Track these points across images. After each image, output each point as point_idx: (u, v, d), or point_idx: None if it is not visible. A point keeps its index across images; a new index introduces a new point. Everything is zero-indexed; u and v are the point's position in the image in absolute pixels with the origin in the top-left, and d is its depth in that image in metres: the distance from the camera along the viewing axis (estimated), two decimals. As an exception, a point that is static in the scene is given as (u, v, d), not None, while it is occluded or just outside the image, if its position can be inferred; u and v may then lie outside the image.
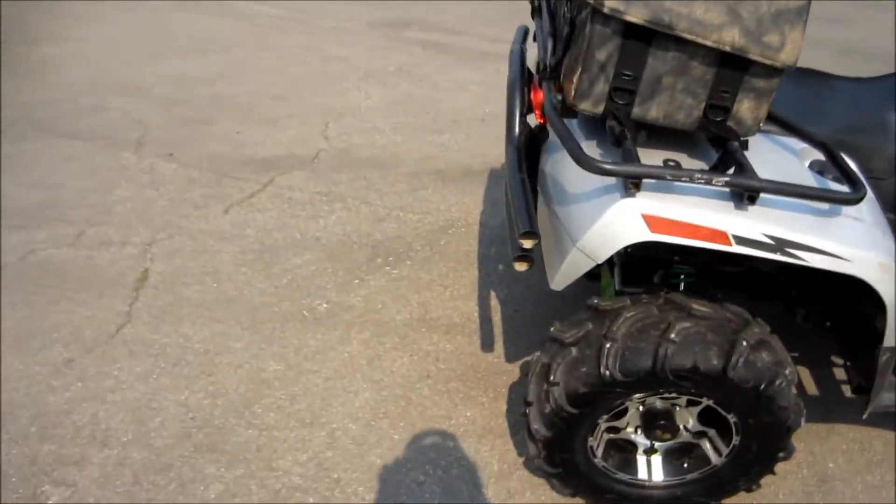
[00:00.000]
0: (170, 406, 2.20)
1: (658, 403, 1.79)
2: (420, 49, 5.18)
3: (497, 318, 2.63)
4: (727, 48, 1.33)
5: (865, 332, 1.73)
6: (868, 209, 1.59)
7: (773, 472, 1.85)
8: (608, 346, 1.62)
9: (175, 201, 3.24)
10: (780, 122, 1.71)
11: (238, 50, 5.08)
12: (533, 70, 1.89)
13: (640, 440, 1.90)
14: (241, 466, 2.01)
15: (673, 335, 1.58)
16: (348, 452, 2.08)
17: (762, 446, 1.77)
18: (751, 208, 1.44)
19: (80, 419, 2.13)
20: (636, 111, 1.47)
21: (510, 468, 2.06)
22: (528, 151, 2.29)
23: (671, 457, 1.93)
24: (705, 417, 1.81)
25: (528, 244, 1.48)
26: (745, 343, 1.58)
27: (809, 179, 1.60)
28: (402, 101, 4.32)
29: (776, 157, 1.67)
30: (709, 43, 1.33)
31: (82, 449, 2.03)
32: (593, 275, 2.21)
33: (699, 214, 1.43)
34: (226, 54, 4.99)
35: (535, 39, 2.12)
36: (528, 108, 2.08)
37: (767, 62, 1.35)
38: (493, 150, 3.76)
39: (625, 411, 1.79)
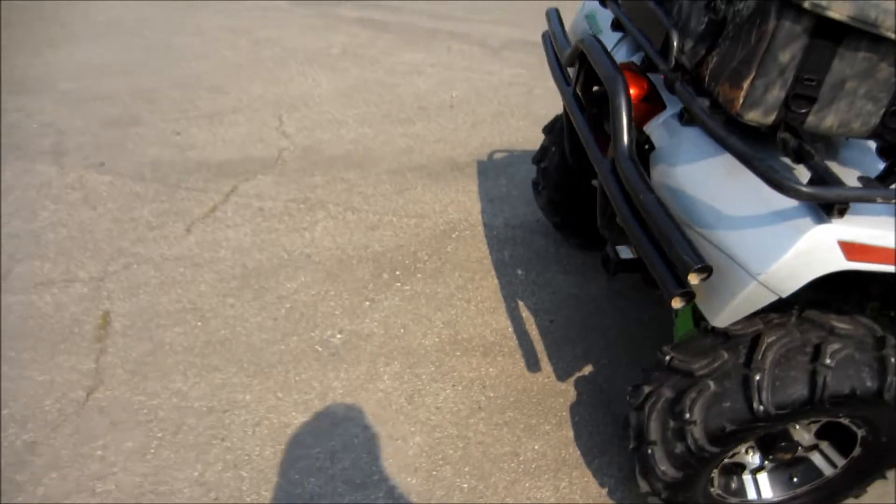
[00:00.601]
0: (183, 487, 1.78)
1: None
2: (360, 28, 4.74)
3: (533, 331, 2.37)
4: None
5: None
6: None
7: (884, 478, 1.75)
8: (757, 377, 1.41)
9: (121, 222, 2.70)
10: None
11: (150, 33, 4.41)
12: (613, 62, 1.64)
13: (750, 460, 1.74)
14: (300, 558, 1.64)
15: (828, 360, 1.40)
16: (421, 517, 1.76)
17: (884, 456, 1.66)
18: None
19: (73, 525, 1.67)
20: (811, 120, 1.27)
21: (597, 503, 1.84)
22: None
23: (777, 472, 1.79)
24: (821, 430, 1.68)
25: (697, 279, 1.22)
26: (893, 360, 1.42)
27: None
28: (357, 87, 3.90)
29: None
30: None
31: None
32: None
33: None
34: (136, 38, 4.31)
35: (616, 28, 1.85)
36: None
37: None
38: (473, 140, 3.45)
39: None
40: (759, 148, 1.27)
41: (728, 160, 1.36)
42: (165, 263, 2.50)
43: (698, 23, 1.37)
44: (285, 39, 4.47)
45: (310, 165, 3.13)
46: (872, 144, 1.47)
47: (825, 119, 1.26)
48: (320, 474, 1.86)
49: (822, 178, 1.21)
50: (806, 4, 1.09)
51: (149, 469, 1.82)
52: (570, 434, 2.04)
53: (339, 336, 2.27)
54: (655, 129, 1.58)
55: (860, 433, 1.60)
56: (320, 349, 2.22)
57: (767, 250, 1.21)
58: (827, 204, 1.19)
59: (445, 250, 2.70)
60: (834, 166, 1.36)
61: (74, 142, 3.19)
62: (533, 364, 2.25)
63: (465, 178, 3.15)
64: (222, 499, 1.77)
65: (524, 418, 2.07)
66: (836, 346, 1.42)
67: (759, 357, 1.44)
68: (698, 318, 1.90)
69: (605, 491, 1.90)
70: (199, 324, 2.26)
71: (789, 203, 1.23)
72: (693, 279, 1.23)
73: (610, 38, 1.88)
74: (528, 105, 3.84)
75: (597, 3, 2.04)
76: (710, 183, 1.35)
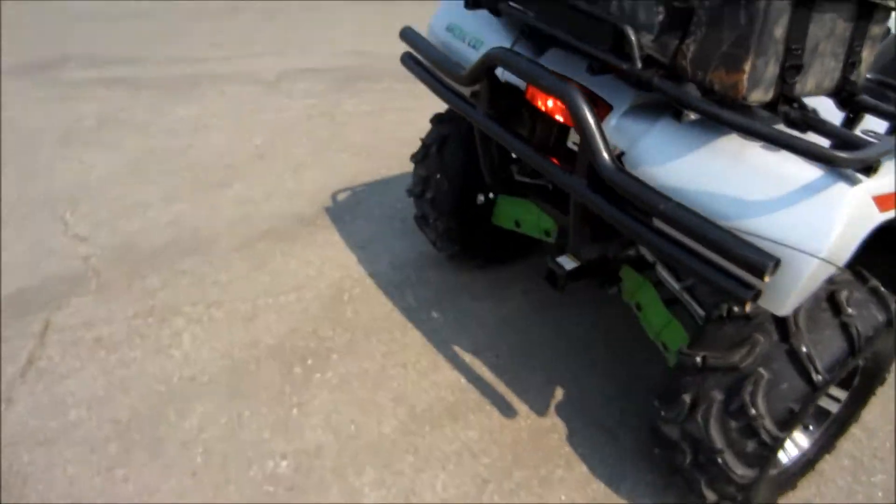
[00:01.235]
0: None
1: None
2: (106, 90, 3.96)
3: (486, 373, 2.18)
4: None
5: None
6: None
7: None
8: (804, 349, 1.42)
9: None
10: None
11: None
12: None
13: None
14: None
15: (849, 309, 1.45)
16: None
17: (876, 378, 1.80)
18: None
19: None
20: (797, 88, 1.27)
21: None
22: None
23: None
24: None
25: (769, 277, 1.15)
26: (881, 287, 1.55)
27: None
28: (143, 159, 3.25)
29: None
30: None
31: None
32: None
33: None
34: None
35: (524, 35, 1.70)
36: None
37: (890, 4, 1.29)
38: (305, 186, 3.09)
39: None
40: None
41: (726, 147, 1.32)
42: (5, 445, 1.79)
43: (651, 14, 1.30)
44: (20, 118, 3.56)
45: (132, 267, 2.51)
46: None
47: (806, 84, 1.28)
48: None
49: (851, 141, 1.21)
50: None
51: None
52: (585, 469, 1.90)
53: (284, 464, 1.84)
54: (612, 132, 1.49)
55: (860, 364, 1.70)
56: (271, 488, 1.77)
57: (819, 225, 1.18)
58: (876, 166, 1.19)
59: (346, 318, 2.36)
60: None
61: None
62: (507, 410, 2.06)
63: (322, 230, 2.80)
64: None
65: (534, 472, 1.87)
66: (845, 293, 1.48)
67: (796, 328, 1.44)
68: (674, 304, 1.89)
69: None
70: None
71: (813, 173, 1.22)
72: (768, 277, 1.16)
73: (493, 46, 1.74)
74: (340, 135, 3.57)
75: (458, 12, 1.88)
76: (721, 174, 1.29)
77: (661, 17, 1.28)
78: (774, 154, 1.26)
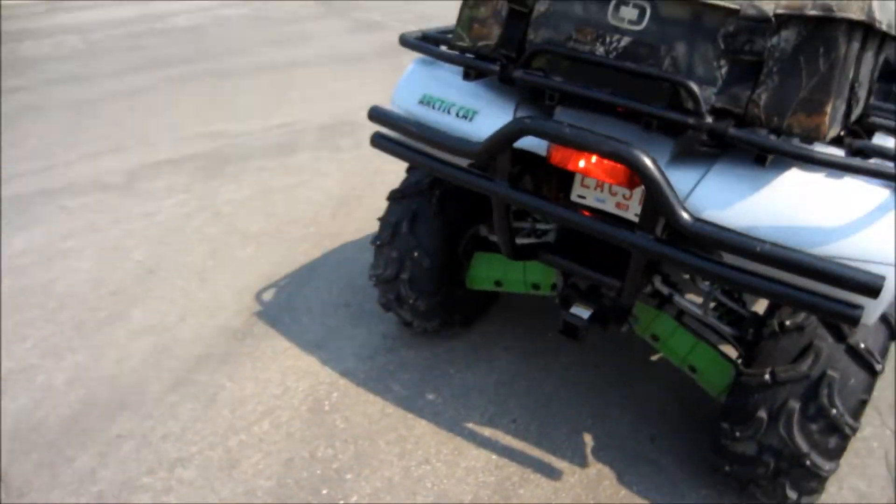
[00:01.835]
0: None
1: None
2: None
3: (512, 441, 2.07)
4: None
5: None
6: None
7: None
8: (861, 345, 1.54)
9: None
10: None
11: None
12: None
13: None
14: None
15: None
16: None
17: None
18: None
19: None
20: (851, 119, 1.39)
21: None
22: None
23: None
24: None
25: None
26: None
27: None
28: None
29: None
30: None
31: None
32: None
33: None
34: None
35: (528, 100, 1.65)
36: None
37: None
38: (223, 295, 2.74)
39: None
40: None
41: (788, 182, 1.37)
42: None
43: (710, 68, 1.33)
44: None
45: (47, 455, 2.03)
46: None
47: (853, 115, 1.40)
48: None
49: None
50: (882, 27, 1.17)
51: None
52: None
53: None
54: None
55: None
56: None
57: (886, 240, 1.27)
58: None
59: (338, 429, 2.11)
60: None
61: None
62: (550, 472, 1.97)
63: (264, 340, 2.50)
64: None
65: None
66: None
67: (848, 329, 1.54)
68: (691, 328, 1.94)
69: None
70: None
71: (879, 193, 1.31)
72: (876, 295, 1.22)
73: (494, 115, 1.68)
74: (233, 228, 3.23)
75: (434, 83, 1.79)
76: (792, 206, 1.34)
77: (723, 71, 1.31)
78: (836, 181, 1.34)
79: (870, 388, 1.53)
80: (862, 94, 1.39)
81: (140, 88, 5.19)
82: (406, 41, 1.83)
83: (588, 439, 2.10)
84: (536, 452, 2.05)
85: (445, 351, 2.45)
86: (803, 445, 1.55)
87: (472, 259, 2.29)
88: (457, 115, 1.72)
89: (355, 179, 3.75)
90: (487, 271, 2.24)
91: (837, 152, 1.35)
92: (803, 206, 1.33)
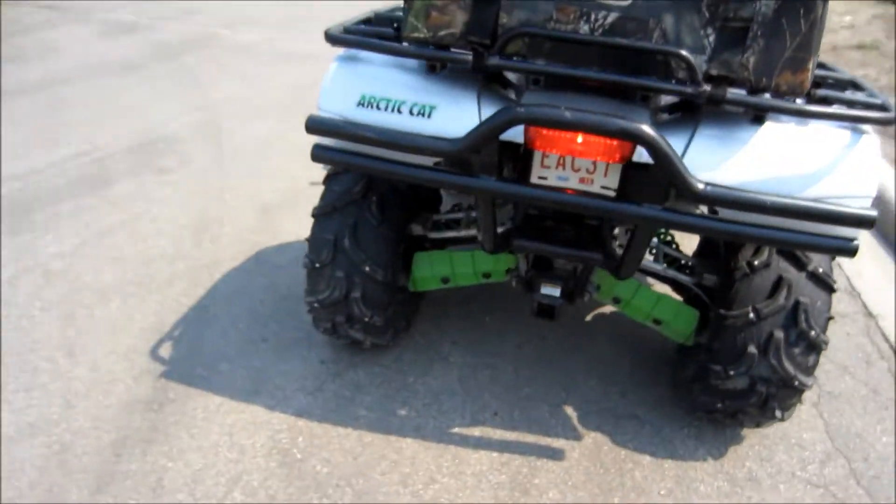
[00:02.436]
0: None
1: None
2: None
3: (507, 435, 2.05)
4: None
5: None
6: None
7: None
8: (820, 269, 1.78)
9: None
10: None
11: None
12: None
13: None
14: None
15: None
16: None
17: None
18: None
19: None
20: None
21: None
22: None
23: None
24: None
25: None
26: None
27: None
28: None
29: None
30: None
31: None
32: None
33: None
34: None
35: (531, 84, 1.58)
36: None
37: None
38: (98, 372, 2.27)
39: None
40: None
41: (769, 136, 1.50)
42: None
43: (698, 37, 1.40)
44: None
45: None
46: None
47: None
48: None
49: (874, 104, 1.53)
50: None
51: None
52: (650, 458, 1.99)
53: None
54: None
55: None
56: None
57: (865, 176, 1.47)
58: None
59: (321, 475, 1.90)
60: None
61: None
62: (557, 457, 1.99)
63: (185, 402, 2.12)
64: None
65: (625, 488, 1.89)
66: None
67: (805, 258, 1.76)
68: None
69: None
70: None
71: (841, 136, 1.50)
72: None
73: (455, 108, 1.60)
74: (77, 285, 2.66)
75: (372, 82, 1.64)
76: (777, 158, 1.47)
77: (711, 38, 1.38)
78: (812, 130, 1.49)
79: (831, 306, 1.78)
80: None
81: None
82: (336, 38, 1.64)
83: (569, 411, 2.15)
84: (531, 438, 2.05)
85: (393, 361, 2.32)
86: (791, 369, 1.76)
87: (412, 261, 2.18)
88: (411, 112, 1.59)
89: (202, 201, 3.32)
90: (432, 270, 2.16)
91: (810, 105, 1.51)
92: (788, 157, 1.48)
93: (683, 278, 2.03)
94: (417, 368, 2.30)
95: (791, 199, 1.41)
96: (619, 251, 1.97)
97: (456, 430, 2.07)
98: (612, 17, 1.41)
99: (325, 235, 1.97)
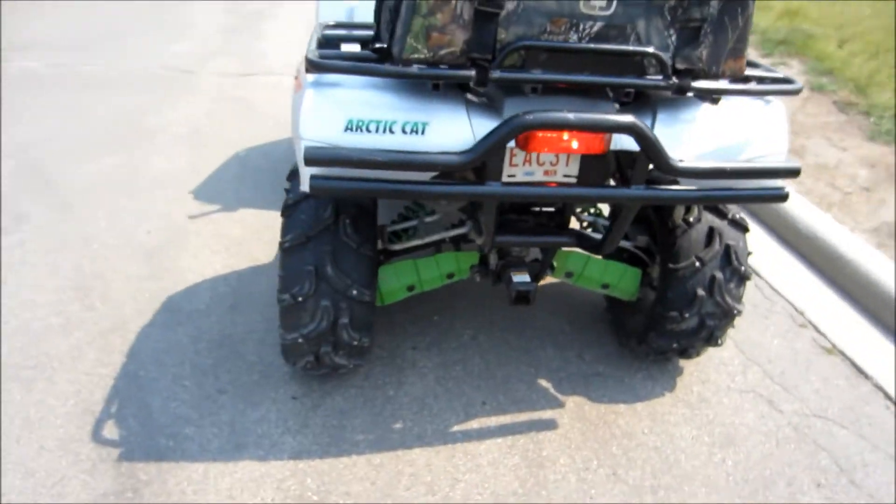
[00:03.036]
0: None
1: None
2: None
3: (504, 419, 2.17)
4: None
5: None
6: None
7: None
8: (737, 214, 2.16)
9: None
10: None
11: None
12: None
13: None
14: None
15: None
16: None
17: None
18: None
19: None
20: None
21: None
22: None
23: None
24: None
25: None
26: None
27: None
28: None
29: None
30: None
31: None
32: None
33: None
34: None
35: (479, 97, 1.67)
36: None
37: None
38: (69, 410, 1.94)
39: None
40: None
41: (710, 115, 1.78)
42: None
43: (662, 37, 1.61)
44: None
45: None
46: None
47: None
48: None
49: (782, 79, 1.85)
50: None
51: None
52: (628, 403, 2.25)
53: None
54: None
55: None
56: None
57: (781, 136, 1.81)
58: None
59: (349, 508, 1.87)
60: None
61: None
62: (552, 427, 2.16)
63: (171, 479, 1.92)
64: None
65: (617, 433, 2.13)
66: None
67: (724, 206, 2.12)
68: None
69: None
70: None
71: (759, 107, 1.82)
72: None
73: (448, 122, 1.66)
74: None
75: (358, 105, 1.63)
76: (718, 132, 1.75)
77: (672, 38, 1.59)
78: (745, 105, 1.79)
79: (747, 244, 2.16)
80: None
81: None
82: (329, 66, 1.58)
83: (543, 383, 2.33)
84: (523, 417, 2.19)
85: (364, 380, 2.31)
86: (730, 301, 2.11)
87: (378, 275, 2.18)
88: (404, 131, 1.62)
89: (67, 257, 2.90)
90: (398, 281, 2.18)
91: (748, 85, 1.80)
92: (726, 129, 1.77)
93: (625, 243, 2.30)
94: (392, 380, 2.31)
95: (744, 164, 1.70)
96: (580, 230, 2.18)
97: (455, 427, 2.14)
98: (597, 25, 1.56)
99: (304, 266, 1.90)
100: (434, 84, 1.60)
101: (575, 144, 1.63)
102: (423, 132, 1.62)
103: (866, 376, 2.48)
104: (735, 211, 2.14)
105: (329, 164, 1.55)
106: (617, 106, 1.75)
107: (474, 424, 2.16)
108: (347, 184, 1.59)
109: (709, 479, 2.03)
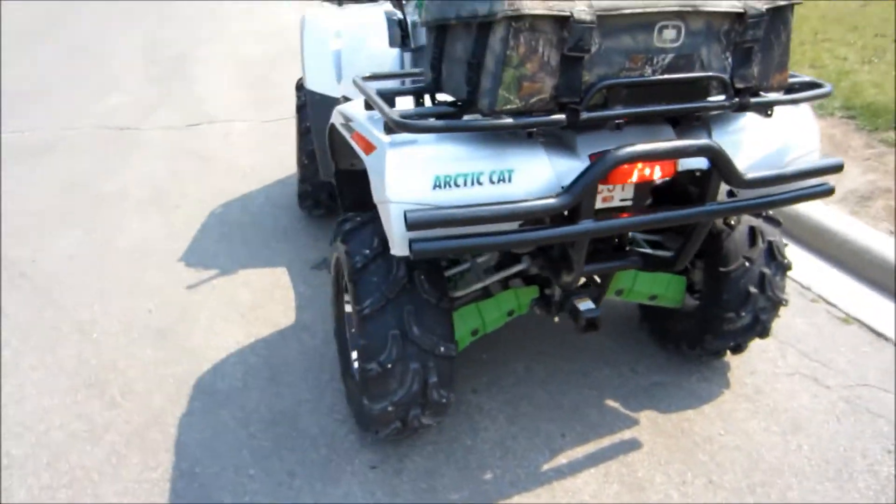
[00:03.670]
0: None
1: None
2: None
3: (575, 455, 2.16)
4: None
5: None
6: None
7: None
8: (772, 213, 2.24)
9: None
10: None
11: None
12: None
13: None
14: None
15: None
16: None
17: None
18: None
19: None
20: None
21: None
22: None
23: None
24: None
25: None
26: None
27: None
28: None
29: None
30: None
31: None
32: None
33: None
34: None
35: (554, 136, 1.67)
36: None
37: None
38: None
39: None
40: None
41: (754, 124, 1.85)
42: None
43: (720, 60, 1.65)
44: None
45: None
46: None
47: None
48: None
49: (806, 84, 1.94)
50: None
51: None
52: (677, 415, 2.30)
53: None
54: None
55: None
56: None
57: (813, 135, 1.89)
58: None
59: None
60: None
61: None
62: (632, 424, 2.17)
63: None
64: None
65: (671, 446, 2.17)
66: None
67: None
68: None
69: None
70: None
71: (791, 113, 1.88)
72: None
73: (531, 166, 1.65)
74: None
75: (445, 162, 1.58)
76: (768, 139, 1.83)
77: (728, 60, 1.64)
78: (785, 114, 1.85)
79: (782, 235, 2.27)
80: None
81: None
82: (415, 126, 1.52)
83: (611, 404, 2.35)
84: (605, 441, 2.20)
85: (437, 434, 2.22)
86: (779, 293, 2.20)
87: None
88: (491, 181, 1.60)
89: (62, 350, 2.65)
90: (464, 327, 2.13)
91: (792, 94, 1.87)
92: (768, 137, 1.84)
93: (665, 254, 2.34)
94: (465, 429, 2.26)
95: (796, 167, 1.78)
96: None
97: (545, 466, 2.12)
98: (668, 57, 1.59)
99: (388, 331, 1.82)
100: (528, 133, 1.58)
101: (658, 171, 1.66)
102: (510, 180, 1.60)
103: (886, 339, 2.66)
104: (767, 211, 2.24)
105: (433, 227, 1.50)
106: (671, 128, 1.79)
107: (562, 459, 2.15)
108: (449, 243, 1.55)
109: (794, 467, 2.10)
